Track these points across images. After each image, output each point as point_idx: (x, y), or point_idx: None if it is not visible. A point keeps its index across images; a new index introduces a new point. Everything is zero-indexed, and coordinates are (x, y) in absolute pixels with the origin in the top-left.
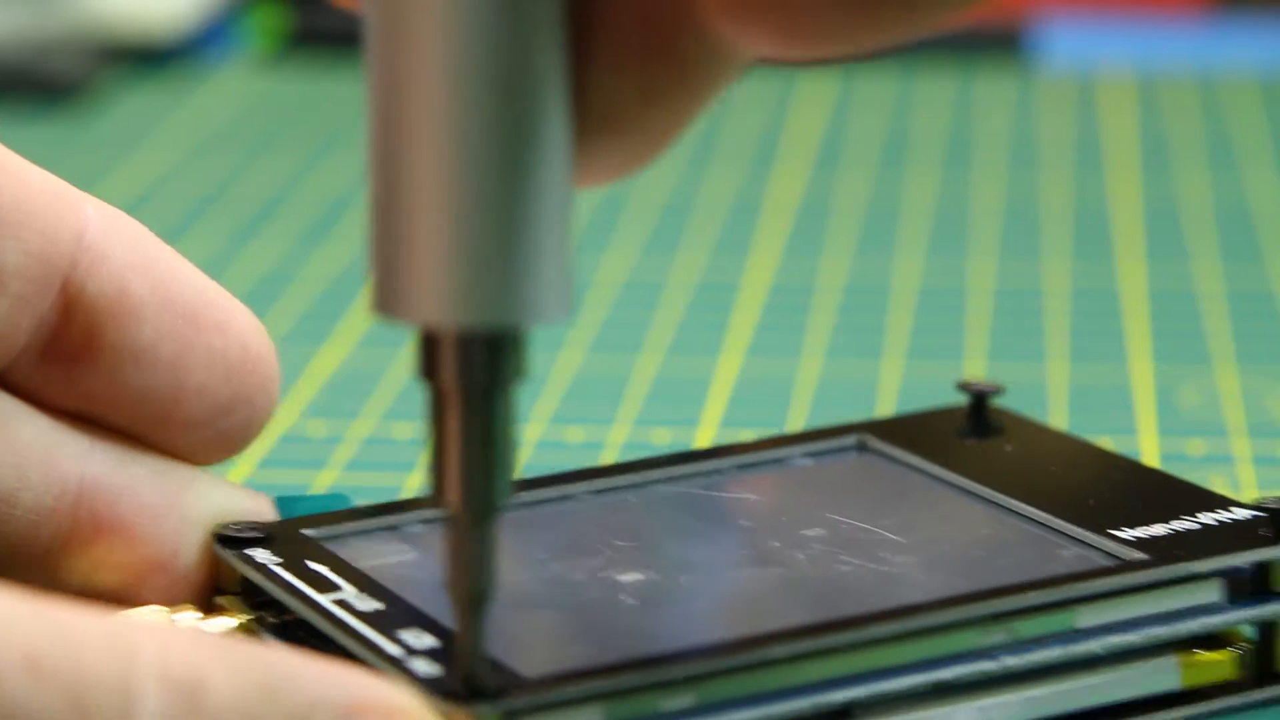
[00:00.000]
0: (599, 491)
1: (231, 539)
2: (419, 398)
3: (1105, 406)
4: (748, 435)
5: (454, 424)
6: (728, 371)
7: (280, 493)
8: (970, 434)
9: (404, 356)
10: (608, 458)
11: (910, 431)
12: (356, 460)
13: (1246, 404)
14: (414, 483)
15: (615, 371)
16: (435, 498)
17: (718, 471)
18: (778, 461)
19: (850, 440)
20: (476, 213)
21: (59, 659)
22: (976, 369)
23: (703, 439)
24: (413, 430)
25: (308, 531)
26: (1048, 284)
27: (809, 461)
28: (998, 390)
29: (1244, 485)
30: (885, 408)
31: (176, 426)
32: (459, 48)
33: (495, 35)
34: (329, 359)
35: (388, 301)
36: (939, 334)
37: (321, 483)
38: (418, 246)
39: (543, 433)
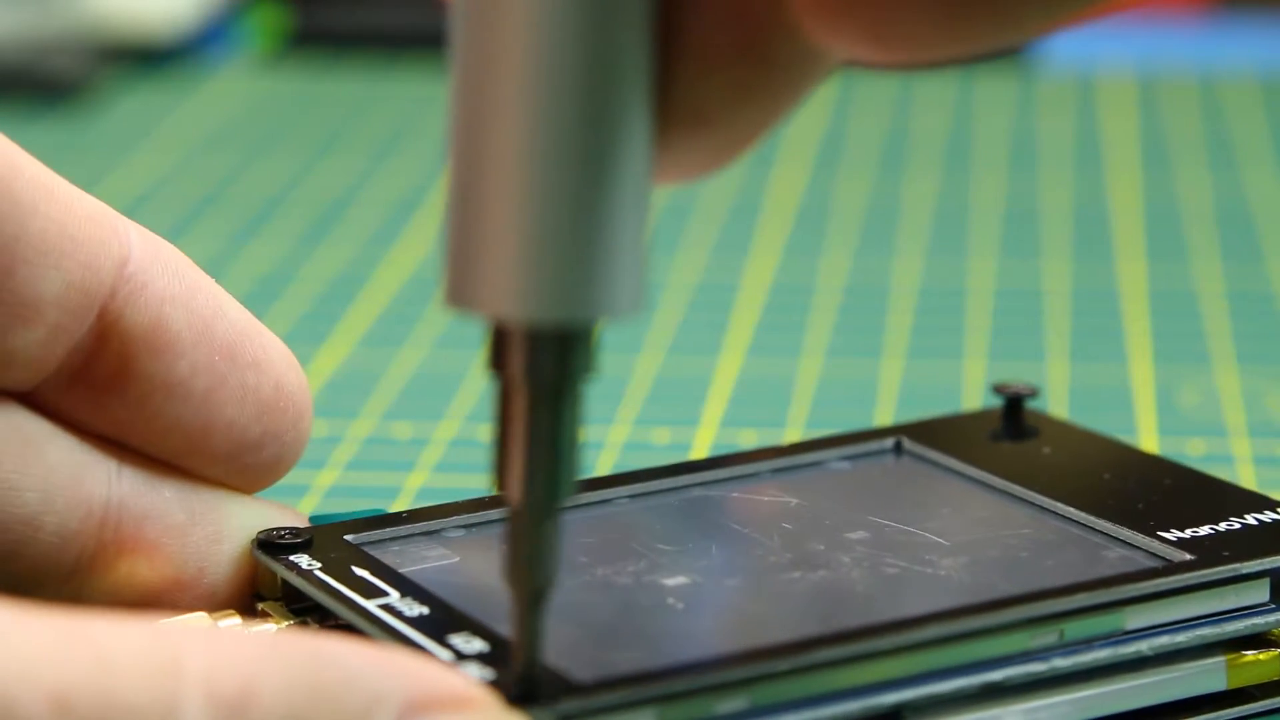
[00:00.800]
0: (638, 495)
1: (272, 545)
2: (419, 397)
3: (1105, 406)
4: (748, 435)
5: (521, 418)
6: (728, 371)
7: (280, 492)
8: (1006, 436)
9: (404, 357)
10: (607, 457)
11: (946, 434)
12: (356, 460)
13: (1246, 404)
14: (414, 483)
15: (615, 371)
16: (498, 491)
17: (755, 475)
18: (815, 465)
19: (887, 443)
20: (553, 207)
21: (91, 692)
22: (976, 369)
23: (702, 439)
24: (412, 430)
25: (349, 537)
26: (1048, 284)
27: (846, 465)
28: (1033, 393)
29: (1244, 485)
30: (885, 408)
31: (204, 459)
32: (544, 41)
33: (580, 30)
34: (329, 359)
35: (459, 293)
36: (939, 334)
37: (322, 483)
38: (492, 239)
39: None
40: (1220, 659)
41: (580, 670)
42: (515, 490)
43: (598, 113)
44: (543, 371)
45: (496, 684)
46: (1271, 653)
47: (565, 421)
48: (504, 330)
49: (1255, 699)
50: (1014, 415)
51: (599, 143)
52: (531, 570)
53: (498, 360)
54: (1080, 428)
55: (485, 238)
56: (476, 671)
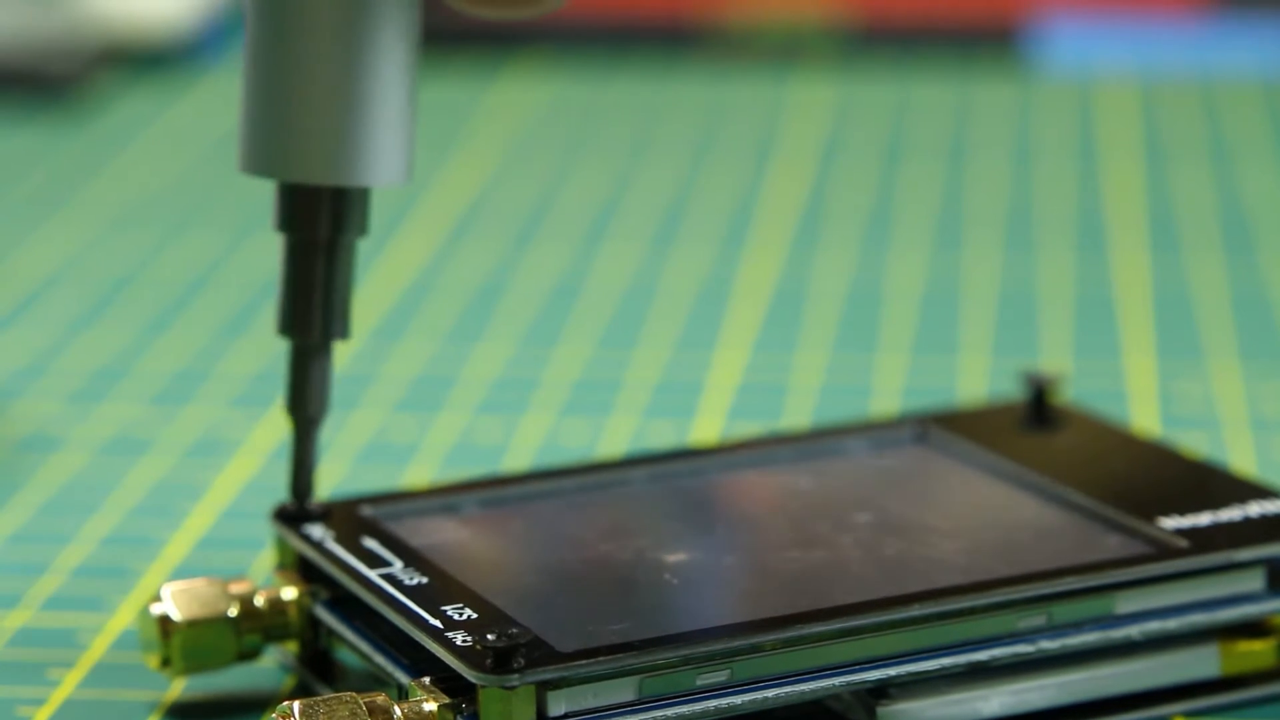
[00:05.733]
0: (656, 476)
1: (290, 515)
2: (419, 397)
3: (1104, 404)
4: (749, 434)
5: (304, 268)
6: (727, 371)
7: (278, 491)
8: (1031, 425)
9: (402, 357)
10: (608, 454)
11: (972, 422)
12: (357, 460)
13: (1245, 403)
14: (413, 482)
15: (616, 370)
16: (284, 331)
17: (777, 458)
18: (838, 449)
19: (912, 430)
20: (325, 88)
21: None
22: (976, 366)
23: (702, 438)
24: (412, 430)
25: (366, 510)
26: (1048, 283)
27: (869, 450)
28: (1059, 381)
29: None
30: (889, 406)
31: None
32: None
33: None
34: None
35: (253, 161)
36: (938, 333)
37: (321, 482)
38: (280, 116)
39: (544, 428)
40: (1214, 646)
41: (566, 641)
42: (298, 329)
43: (357, 21)
44: (321, 228)
45: (476, 650)
46: (1266, 641)
47: (341, 271)
48: (289, 193)
49: (1248, 686)
50: (1040, 404)
51: (360, 43)
52: (306, 400)
53: (284, 221)
54: (1106, 421)
55: (274, 115)
56: (462, 638)
